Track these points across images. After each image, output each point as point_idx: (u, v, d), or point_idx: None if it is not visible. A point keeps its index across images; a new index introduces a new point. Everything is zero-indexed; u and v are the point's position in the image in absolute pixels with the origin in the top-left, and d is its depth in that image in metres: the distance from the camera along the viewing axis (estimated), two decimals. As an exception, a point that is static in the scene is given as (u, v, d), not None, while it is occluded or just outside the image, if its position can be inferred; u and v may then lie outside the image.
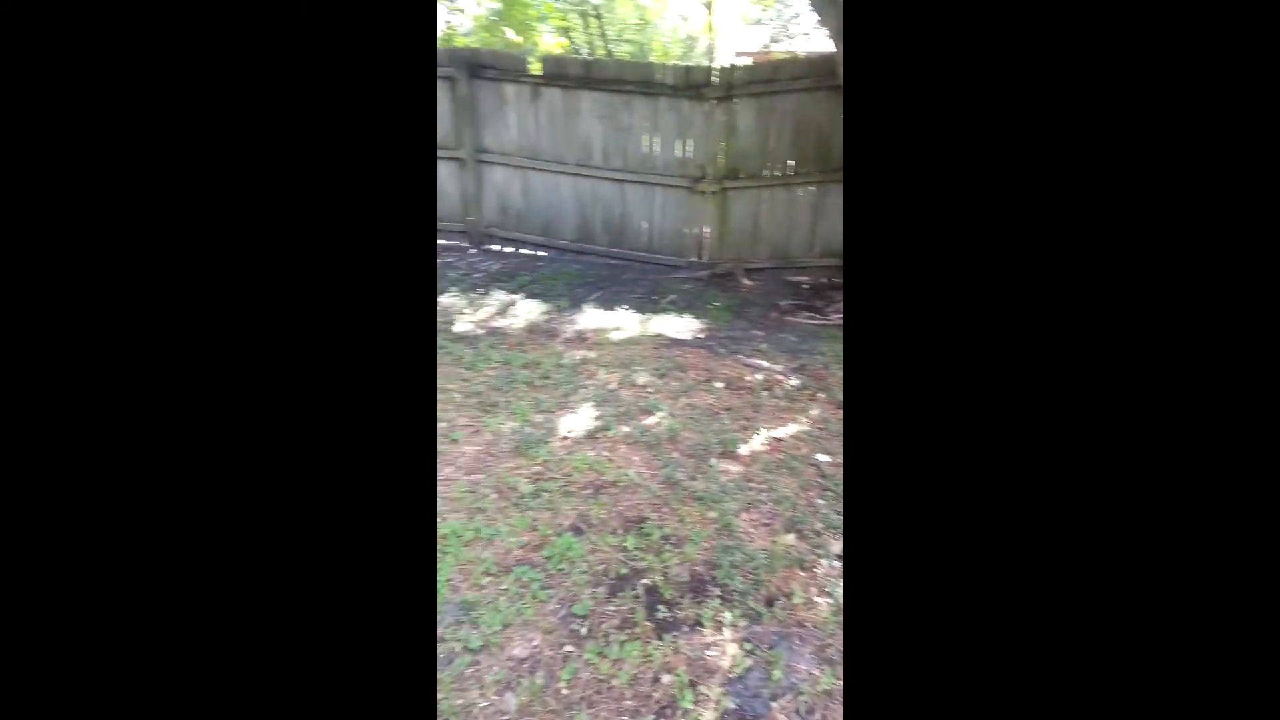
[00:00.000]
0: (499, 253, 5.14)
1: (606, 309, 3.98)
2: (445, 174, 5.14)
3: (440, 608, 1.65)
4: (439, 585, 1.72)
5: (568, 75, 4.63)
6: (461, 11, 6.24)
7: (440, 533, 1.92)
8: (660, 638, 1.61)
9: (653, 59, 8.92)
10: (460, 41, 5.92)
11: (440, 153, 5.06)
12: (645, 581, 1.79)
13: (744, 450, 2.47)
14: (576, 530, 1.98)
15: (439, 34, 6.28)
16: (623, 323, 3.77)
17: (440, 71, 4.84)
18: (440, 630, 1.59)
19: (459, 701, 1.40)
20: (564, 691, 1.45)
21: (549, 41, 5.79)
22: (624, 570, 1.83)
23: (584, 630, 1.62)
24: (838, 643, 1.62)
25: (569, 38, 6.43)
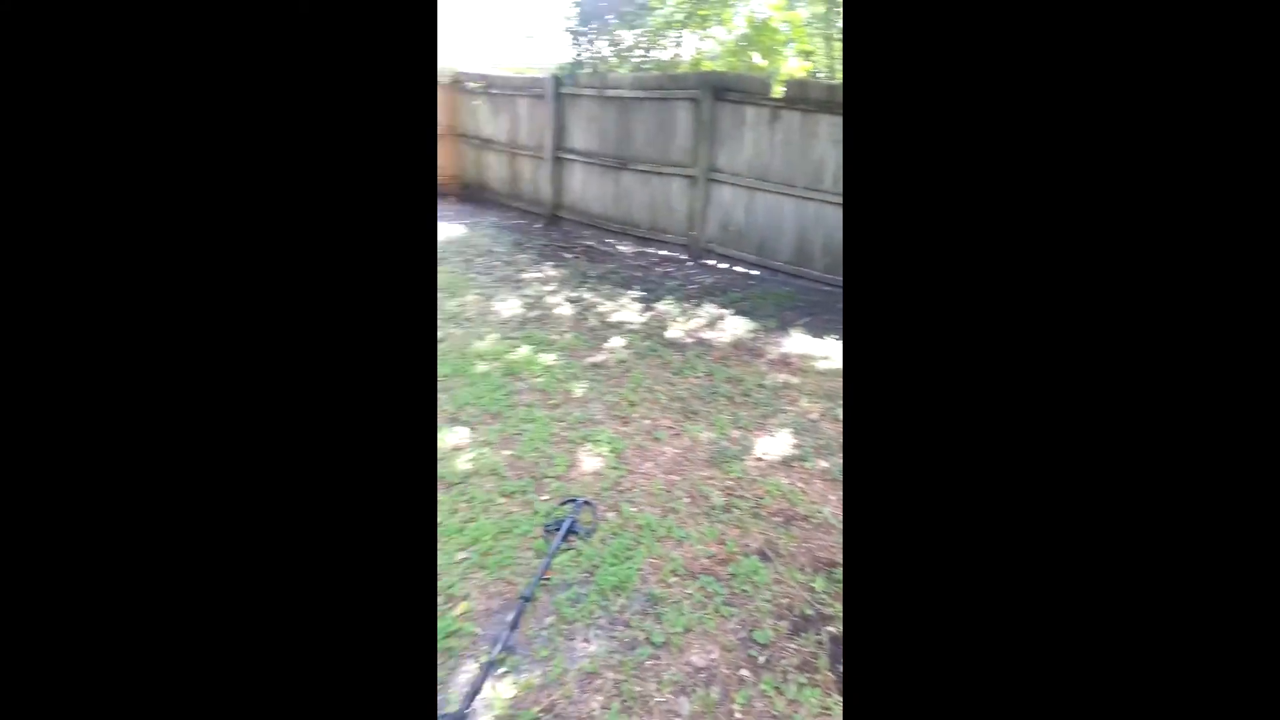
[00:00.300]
0: (714, 268, 5.29)
1: (815, 336, 3.85)
2: (676, 190, 5.45)
3: (629, 594, 1.75)
4: (631, 572, 1.82)
5: (809, 99, 4.59)
6: (713, 38, 6.56)
7: (636, 523, 2.03)
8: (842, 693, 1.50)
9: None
10: (707, 66, 6.23)
11: (674, 170, 5.38)
12: (831, 629, 1.68)
13: (961, 516, 2.20)
14: (763, 556, 1.94)
15: (688, 58, 6.69)
16: (831, 352, 3.60)
17: (687, 94, 5.14)
18: (626, 616, 1.67)
19: (638, 689, 1.47)
20: (737, 714, 1.43)
21: (793, 65, 5.79)
22: (809, 611, 1.74)
23: (762, 659, 1.58)
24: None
25: (811, 61, 6.37)
